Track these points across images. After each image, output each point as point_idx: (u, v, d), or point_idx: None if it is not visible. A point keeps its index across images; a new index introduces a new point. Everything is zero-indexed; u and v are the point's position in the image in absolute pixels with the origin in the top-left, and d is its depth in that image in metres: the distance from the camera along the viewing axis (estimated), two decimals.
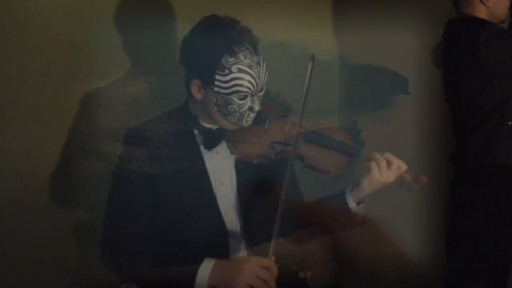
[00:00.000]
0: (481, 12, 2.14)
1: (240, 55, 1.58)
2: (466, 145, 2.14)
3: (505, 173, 2.08)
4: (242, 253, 1.71)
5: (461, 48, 2.10)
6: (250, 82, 1.59)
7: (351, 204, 1.73)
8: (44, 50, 2.16)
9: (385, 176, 1.68)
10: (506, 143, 2.07)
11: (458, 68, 2.11)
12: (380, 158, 1.68)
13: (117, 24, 2.29)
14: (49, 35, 2.16)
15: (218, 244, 1.67)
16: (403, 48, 2.78)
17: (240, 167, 1.71)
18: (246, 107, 1.62)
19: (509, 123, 2.06)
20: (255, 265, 1.50)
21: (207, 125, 1.70)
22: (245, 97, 1.61)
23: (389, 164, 1.67)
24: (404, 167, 1.69)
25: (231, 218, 1.70)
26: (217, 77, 1.58)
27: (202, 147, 1.69)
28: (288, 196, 1.61)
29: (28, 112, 2.15)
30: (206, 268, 1.54)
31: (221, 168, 1.71)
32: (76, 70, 2.22)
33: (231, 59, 1.58)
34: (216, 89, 1.60)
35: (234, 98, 1.60)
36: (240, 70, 1.58)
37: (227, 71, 1.57)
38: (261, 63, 1.63)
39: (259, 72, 1.61)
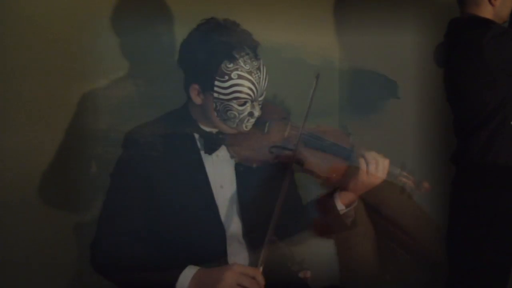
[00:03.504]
0: (487, 12, 2.13)
1: (240, 61, 1.56)
2: (467, 145, 2.13)
3: (506, 173, 2.08)
4: (244, 256, 1.69)
5: (465, 47, 2.08)
6: (250, 88, 1.57)
7: (340, 206, 1.70)
8: (44, 51, 2.15)
9: (372, 177, 1.64)
10: (508, 143, 2.07)
11: (461, 67, 2.10)
12: (368, 158, 1.64)
13: (115, 26, 2.28)
14: (48, 36, 2.15)
15: (217, 248, 1.66)
16: (404, 48, 2.76)
17: (240, 170, 1.69)
18: (246, 113, 1.60)
19: (511, 123, 2.06)
20: (237, 273, 1.44)
21: (208, 129, 1.68)
22: (245, 103, 1.59)
23: (376, 164, 1.63)
24: (386, 162, 1.64)
25: (231, 222, 1.68)
26: (216, 83, 1.56)
27: (202, 151, 1.68)
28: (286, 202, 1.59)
29: (27, 112, 2.14)
30: (187, 275, 1.49)
31: (221, 172, 1.69)
32: (75, 71, 2.22)
33: (231, 65, 1.55)
34: (215, 94, 1.58)
35: (234, 104, 1.58)
36: (240, 77, 1.55)
37: (226, 77, 1.55)
38: (262, 68, 1.60)
39: (259, 78, 1.59)
